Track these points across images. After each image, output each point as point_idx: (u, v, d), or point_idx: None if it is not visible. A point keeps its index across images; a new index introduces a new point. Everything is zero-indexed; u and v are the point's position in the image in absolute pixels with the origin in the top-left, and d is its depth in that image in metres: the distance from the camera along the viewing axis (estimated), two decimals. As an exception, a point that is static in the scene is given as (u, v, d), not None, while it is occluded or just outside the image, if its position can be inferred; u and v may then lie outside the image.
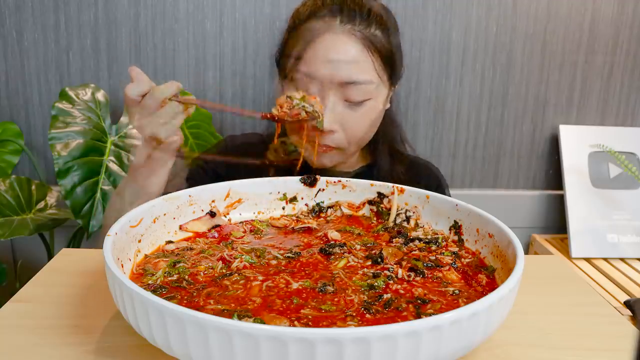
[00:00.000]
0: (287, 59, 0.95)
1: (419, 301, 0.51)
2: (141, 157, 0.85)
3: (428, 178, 1.11)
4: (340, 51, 0.89)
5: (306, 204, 0.78)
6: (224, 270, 0.57)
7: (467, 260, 0.62)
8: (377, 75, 0.92)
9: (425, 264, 0.59)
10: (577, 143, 1.54)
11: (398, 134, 1.10)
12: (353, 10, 0.91)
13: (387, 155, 1.06)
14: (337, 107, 0.91)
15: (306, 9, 0.95)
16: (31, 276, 0.66)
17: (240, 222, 0.73)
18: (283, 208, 0.77)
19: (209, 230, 0.70)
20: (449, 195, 1.08)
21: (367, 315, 0.48)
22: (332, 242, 0.65)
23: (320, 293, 0.52)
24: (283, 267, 0.58)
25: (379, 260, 0.60)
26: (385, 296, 0.51)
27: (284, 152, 0.82)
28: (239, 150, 1.09)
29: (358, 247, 0.65)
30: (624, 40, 1.53)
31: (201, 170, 1.05)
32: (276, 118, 0.82)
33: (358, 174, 1.05)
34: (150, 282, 0.54)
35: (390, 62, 0.95)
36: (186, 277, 0.55)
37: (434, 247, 0.65)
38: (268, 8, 1.43)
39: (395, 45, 0.96)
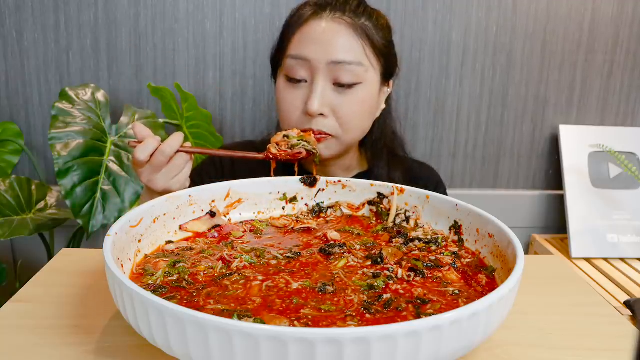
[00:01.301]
0: (278, 50, 0.96)
1: (419, 301, 0.51)
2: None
3: (426, 180, 1.11)
4: (329, 33, 0.90)
5: (306, 204, 0.78)
6: (224, 270, 0.57)
7: (467, 260, 0.61)
8: (367, 59, 0.92)
9: (425, 264, 0.59)
10: (577, 143, 1.54)
11: (396, 139, 1.10)
12: (342, 3, 0.93)
13: (385, 161, 1.06)
14: (327, 91, 0.91)
15: (297, 6, 0.96)
16: (31, 276, 0.66)
17: (240, 222, 0.73)
18: (283, 208, 0.77)
19: (209, 230, 0.69)
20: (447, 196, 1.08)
21: (367, 315, 0.48)
22: (331, 242, 0.65)
23: (320, 293, 0.52)
24: (283, 267, 0.58)
25: (379, 260, 0.60)
26: (385, 296, 0.51)
27: (287, 146, 0.83)
28: (233, 161, 1.09)
29: (358, 247, 0.65)
30: (624, 40, 1.53)
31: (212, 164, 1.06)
32: (278, 158, 0.83)
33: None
34: (150, 282, 0.54)
35: (382, 54, 0.94)
36: (186, 277, 0.55)
37: (433, 247, 0.64)
38: (268, 8, 1.43)
39: (388, 40, 0.96)
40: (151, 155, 0.81)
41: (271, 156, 0.82)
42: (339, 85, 0.91)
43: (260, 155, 0.82)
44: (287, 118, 0.94)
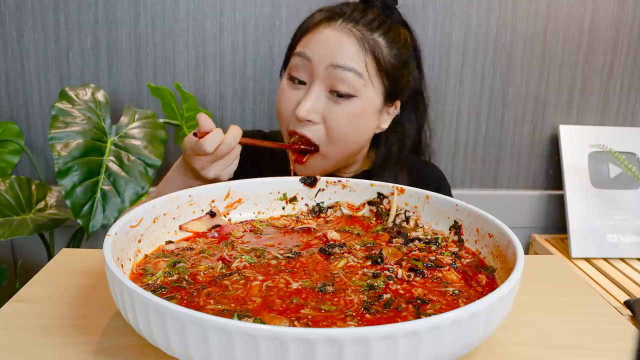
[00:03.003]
0: (289, 49, 0.98)
1: (419, 301, 0.51)
2: (178, 182, 0.90)
3: (429, 178, 1.10)
4: (335, 41, 0.90)
5: (306, 204, 0.78)
6: (223, 270, 0.57)
7: (467, 260, 0.61)
8: (368, 74, 0.91)
9: (425, 264, 0.59)
10: (577, 143, 1.54)
11: (420, 148, 1.09)
12: (359, 14, 0.92)
13: (392, 167, 1.04)
14: (321, 98, 0.91)
15: (315, 11, 0.97)
16: (31, 276, 0.65)
17: (240, 222, 0.73)
18: (283, 208, 0.77)
19: (209, 230, 0.69)
20: (451, 195, 1.06)
21: (367, 316, 0.48)
22: (331, 242, 0.65)
23: (320, 293, 0.52)
24: (283, 267, 0.58)
25: (379, 260, 0.60)
26: (385, 296, 0.51)
27: None
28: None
29: (358, 247, 0.65)
30: (624, 40, 1.52)
31: None
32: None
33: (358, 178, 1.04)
34: (150, 282, 0.54)
35: (387, 73, 0.93)
36: (186, 277, 0.55)
37: (433, 247, 0.64)
38: (268, 8, 1.43)
39: (401, 59, 0.94)
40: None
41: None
42: (336, 94, 0.90)
43: (287, 145, 0.91)
44: (281, 116, 0.96)
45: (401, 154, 1.03)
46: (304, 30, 0.95)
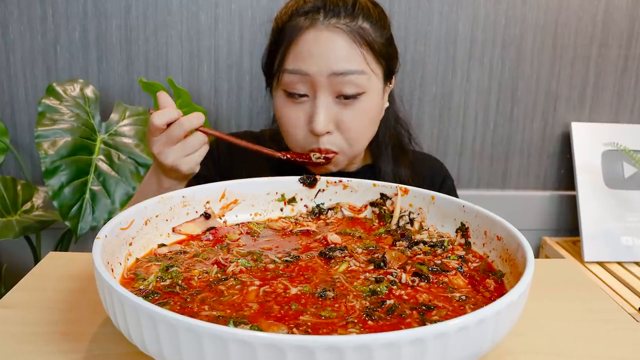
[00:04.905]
0: (272, 62, 0.94)
1: (424, 307, 0.51)
2: (152, 185, 0.89)
3: (433, 173, 1.10)
4: (327, 45, 0.87)
5: (305, 205, 0.77)
6: (219, 275, 0.57)
7: (475, 264, 0.61)
8: (369, 67, 0.90)
9: (430, 269, 0.59)
10: (590, 141, 1.54)
11: (404, 132, 1.08)
12: (336, 5, 0.90)
13: (390, 154, 1.04)
14: (331, 106, 0.89)
15: (288, 10, 0.93)
16: (17, 281, 0.65)
17: (236, 224, 0.73)
18: (281, 209, 0.76)
19: (204, 233, 0.69)
20: (455, 189, 1.09)
21: (369, 322, 0.48)
22: (332, 246, 0.65)
23: (320, 299, 0.52)
24: (281, 272, 0.58)
25: (382, 264, 0.59)
26: (388, 302, 0.51)
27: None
28: (231, 153, 1.07)
29: (359, 250, 0.64)
30: (639, 33, 1.53)
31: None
32: (294, 158, 0.91)
33: (360, 173, 1.03)
34: (141, 287, 0.54)
35: (382, 55, 0.92)
36: (179, 282, 0.55)
37: (439, 251, 0.64)
38: (265, -2, 1.44)
39: (387, 39, 0.94)
40: (168, 126, 0.82)
41: (289, 156, 0.88)
42: (343, 97, 0.89)
43: (278, 154, 0.87)
44: (292, 137, 0.93)
45: (392, 135, 1.04)
46: (287, 42, 0.90)
